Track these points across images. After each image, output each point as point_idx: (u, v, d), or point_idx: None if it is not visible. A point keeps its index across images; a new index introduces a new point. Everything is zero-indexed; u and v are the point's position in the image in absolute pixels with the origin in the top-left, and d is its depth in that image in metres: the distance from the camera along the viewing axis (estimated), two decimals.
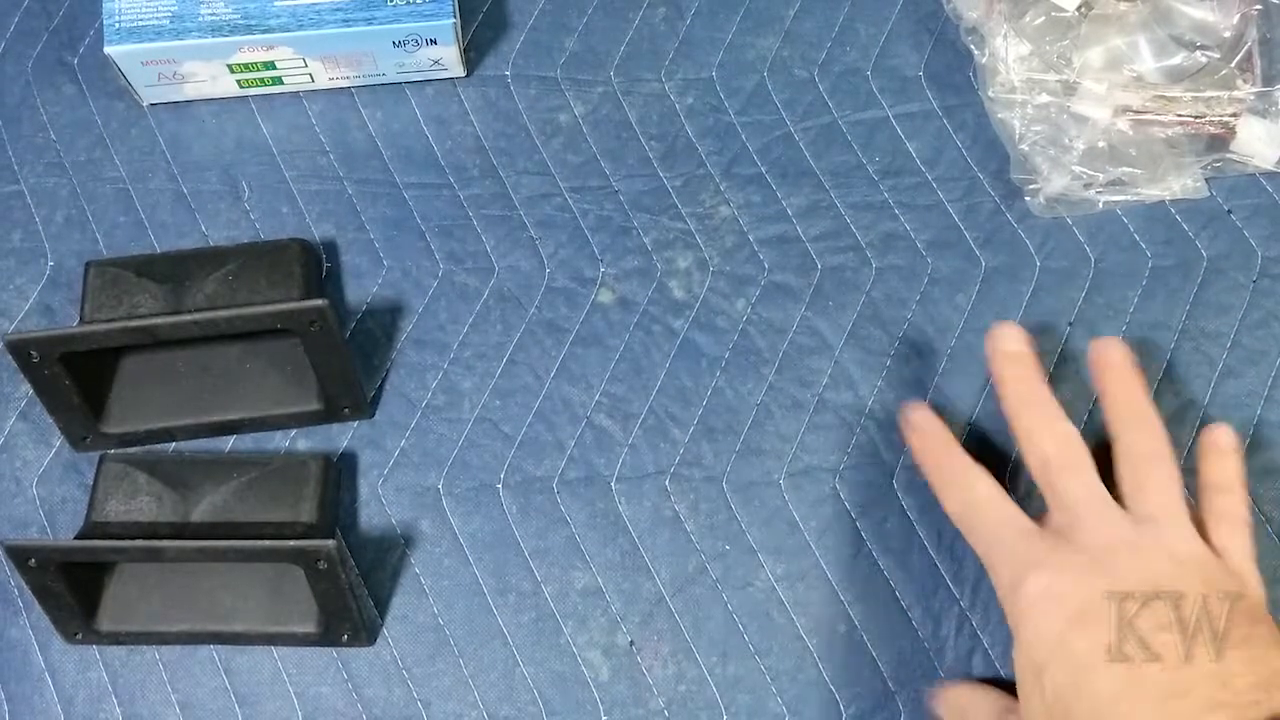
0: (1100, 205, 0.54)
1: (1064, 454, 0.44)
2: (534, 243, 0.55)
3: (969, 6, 0.56)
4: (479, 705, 0.49)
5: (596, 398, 0.53)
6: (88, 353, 0.48)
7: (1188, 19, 0.54)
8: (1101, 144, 0.54)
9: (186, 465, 0.51)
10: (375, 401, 0.53)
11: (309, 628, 0.49)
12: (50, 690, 0.50)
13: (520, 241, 0.55)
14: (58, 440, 0.52)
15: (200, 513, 0.50)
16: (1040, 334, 0.53)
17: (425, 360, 0.53)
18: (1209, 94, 0.54)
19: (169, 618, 0.49)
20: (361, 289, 0.54)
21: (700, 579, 0.51)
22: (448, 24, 0.53)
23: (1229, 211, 0.54)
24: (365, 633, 0.49)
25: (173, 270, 0.52)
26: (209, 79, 0.55)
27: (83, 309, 0.51)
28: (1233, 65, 0.54)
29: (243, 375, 0.52)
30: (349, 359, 0.50)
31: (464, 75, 0.57)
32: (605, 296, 0.54)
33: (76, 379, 0.49)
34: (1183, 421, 0.52)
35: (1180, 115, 0.54)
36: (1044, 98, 0.54)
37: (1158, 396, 0.52)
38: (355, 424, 0.53)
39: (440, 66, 0.56)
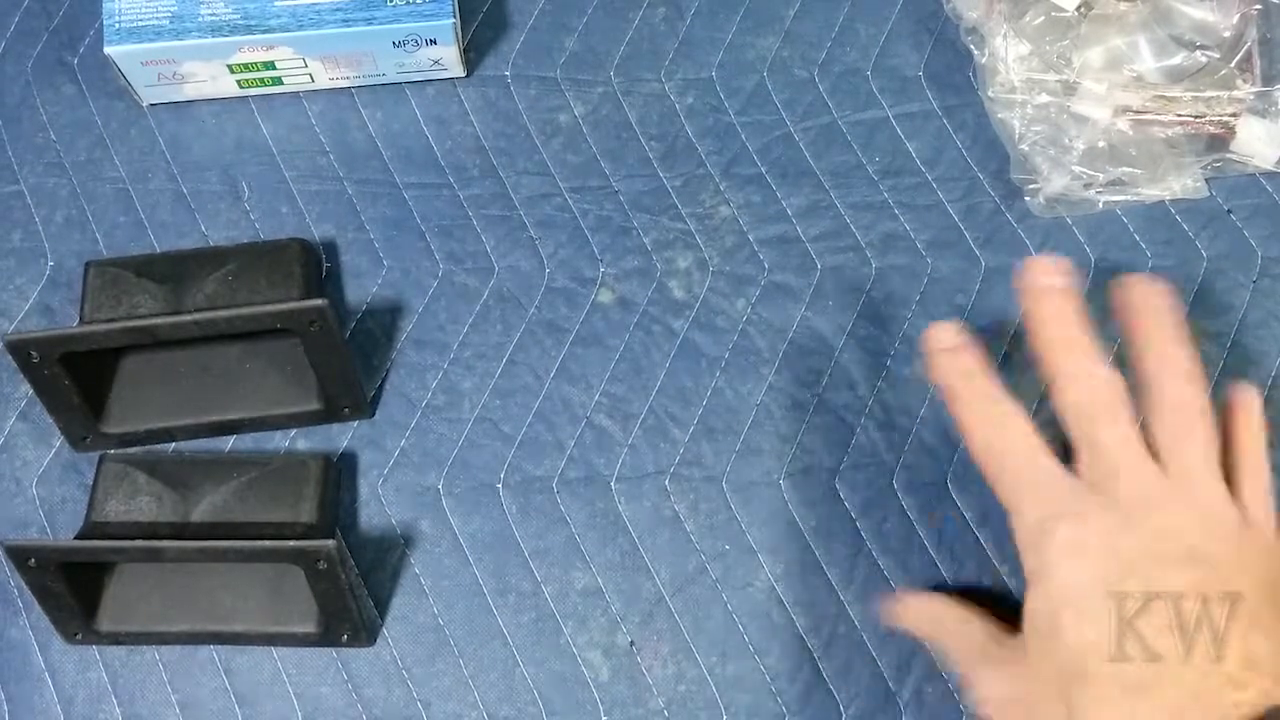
0: (1100, 205, 0.54)
1: (1103, 401, 0.42)
2: (534, 243, 0.55)
3: (969, 6, 0.56)
4: (479, 705, 0.49)
5: (596, 398, 0.53)
6: (88, 353, 0.48)
7: (1188, 19, 0.54)
8: (1101, 144, 0.54)
9: (186, 465, 0.51)
10: (375, 401, 0.53)
11: (309, 628, 0.49)
12: (50, 690, 0.50)
13: (520, 241, 0.55)
14: (58, 440, 0.52)
15: (200, 513, 0.50)
16: None
17: (425, 360, 0.53)
18: (1209, 94, 0.54)
19: (169, 618, 0.49)
20: (361, 289, 0.54)
21: (700, 579, 0.51)
22: (448, 24, 0.53)
23: (1229, 211, 0.54)
24: (365, 633, 0.49)
25: (173, 270, 0.52)
26: (209, 79, 0.55)
27: (83, 309, 0.51)
28: (1233, 65, 0.54)
29: (243, 375, 0.52)
30: (349, 359, 0.50)
31: (464, 75, 0.57)
32: (605, 296, 0.54)
33: (76, 379, 0.49)
34: None
35: (1180, 115, 0.54)
36: (1044, 98, 0.54)
37: None
38: (355, 424, 0.53)
39: (440, 66, 0.56)
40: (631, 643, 0.50)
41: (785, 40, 0.57)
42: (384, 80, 0.56)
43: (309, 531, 0.49)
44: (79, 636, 0.49)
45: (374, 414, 0.53)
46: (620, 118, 0.56)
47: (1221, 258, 0.54)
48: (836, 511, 0.51)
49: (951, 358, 0.43)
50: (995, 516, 0.50)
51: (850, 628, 0.50)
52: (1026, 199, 0.55)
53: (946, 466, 0.52)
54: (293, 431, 0.53)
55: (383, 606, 0.51)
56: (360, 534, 0.51)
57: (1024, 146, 0.54)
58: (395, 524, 0.51)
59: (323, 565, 0.46)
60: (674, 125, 0.56)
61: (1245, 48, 0.54)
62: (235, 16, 0.53)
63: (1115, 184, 0.54)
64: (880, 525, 0.51)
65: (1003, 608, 0.47)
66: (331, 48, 0.54)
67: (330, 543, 0.46)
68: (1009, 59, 0.55)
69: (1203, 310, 0.53)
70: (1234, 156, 0.54)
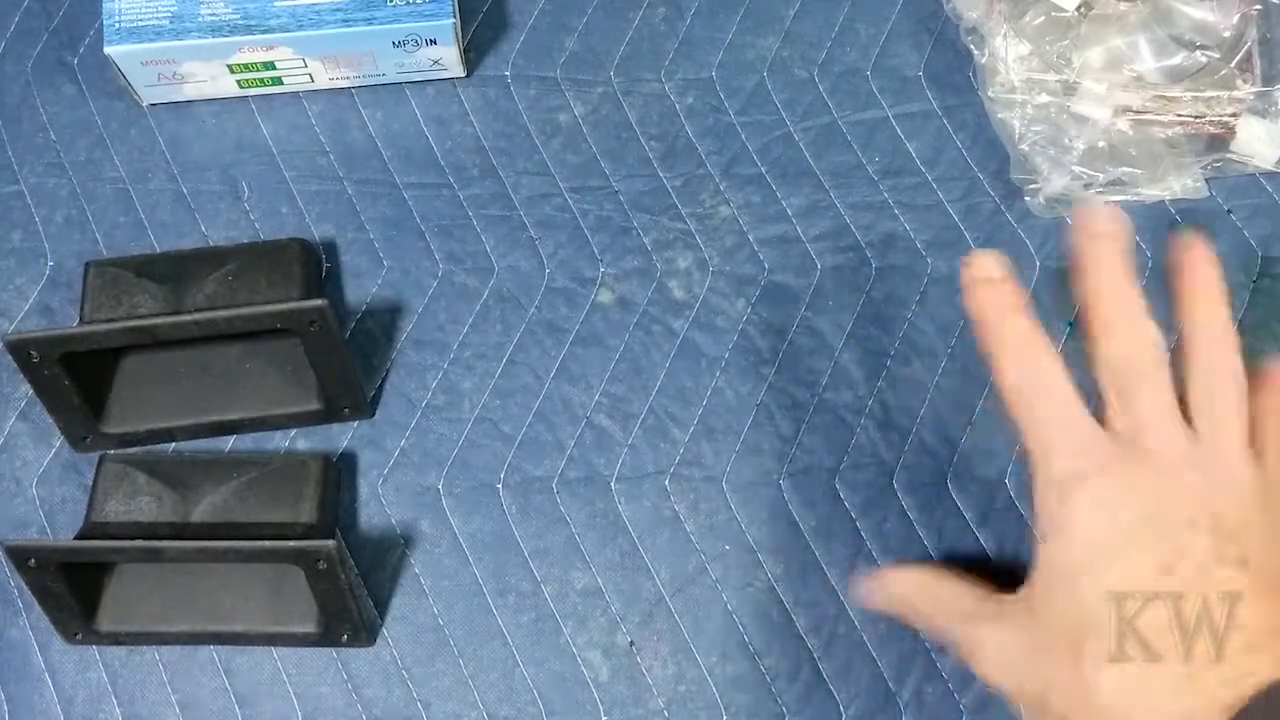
0: (1100, 205, 0.54)
1: (1143, 358, 0.41)
2: (534, 243, 0.55)
3: (969, 6, 0.56)
4: (479, 705, 0.49)
5: (596, 398, 0.53)
6: (88, 353, 0.48)
7: (1188, 19, 0.54)
8: (1101, 144, 0.54)
9: (186, 465, 0.51)
10: (375, 401, 0.53)
11: (309, 628, 0.49)
12: (50, 690, 0.50)
13: (520, 241, 0.55)
14: (58, 440, 0.52)
15: (200, 513, 0.50)
16: None
17: (425, 360, 0.53)
18: (1209, 94, 0.54)
19: (169, 618, 0.49)
20: (361, 289, 0.54)
21: (700, 579, 0.51)
22: (448, 24, 0.53)
23: (1229, 211, 0.54)
24: (365, 633, 0.49)
25: (173, 270, 0.52)
26: (209, 79, 0.55)
27: (83, 309, 0.51)
28: (1233, 65, 0.54)
29: (243, 375, 0.52)
30: (349, 359, 0.50)
31: (464, 75, 0.57)
32: (605, 296, 0.54)
33: (76, 379, 0.49)
34: None
35: (1180, 115, 0.54)
36: (1044, 98, 0.54)
37: None
38: (355, 424, 0.53)
39: (440, 66, 0.56)
40: (631, 643, 0.50)
41: (785, 40, 0.57)
42: (384, 80, 0.56)
43: (309, 531, 0.49)
44: (79, 636, 0.49)
45: (374, 414, 0.53)
46: (620, 118, 0.56)
47: (1221, 258, 0.54)
48: (836, 511, 0.51)
49: (991, 289, 0.42)
50: (995, 516, 0.50)
51: (850, 628, 0.50)
52: (1026, 199, 0.55)
53: (946, 467, 0.52)
54: (293, 431, 0.53)
55: (382, 606, 0.51)
56: (360, 534, 0.51)
57: (1024, 146, 0.54)
58: (395, 524, 0.51)
59: (323, 565, 0.46)
60: (674, 125, 0.56)
61: (1245, 48, 0.54)
62: (235, 16, 0.53)
63: (1115, 184, 0.54)
64: (880, 525, 0.51)
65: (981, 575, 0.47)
66: (331, 48, 0.54)
67: (330, 543, 0.46)
68: (1009, 59, 0.55)
69: None
70: (1234, 156, 0.54)
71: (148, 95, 0.56)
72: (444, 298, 0.54)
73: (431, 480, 0.52)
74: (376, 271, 0.54)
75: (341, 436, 0.52)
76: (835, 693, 0.49)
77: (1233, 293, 0.53)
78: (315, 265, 0.54)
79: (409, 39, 0.54)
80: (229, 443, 0.53)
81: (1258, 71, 0.54)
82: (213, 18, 0.53)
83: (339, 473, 0.52)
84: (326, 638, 0.49)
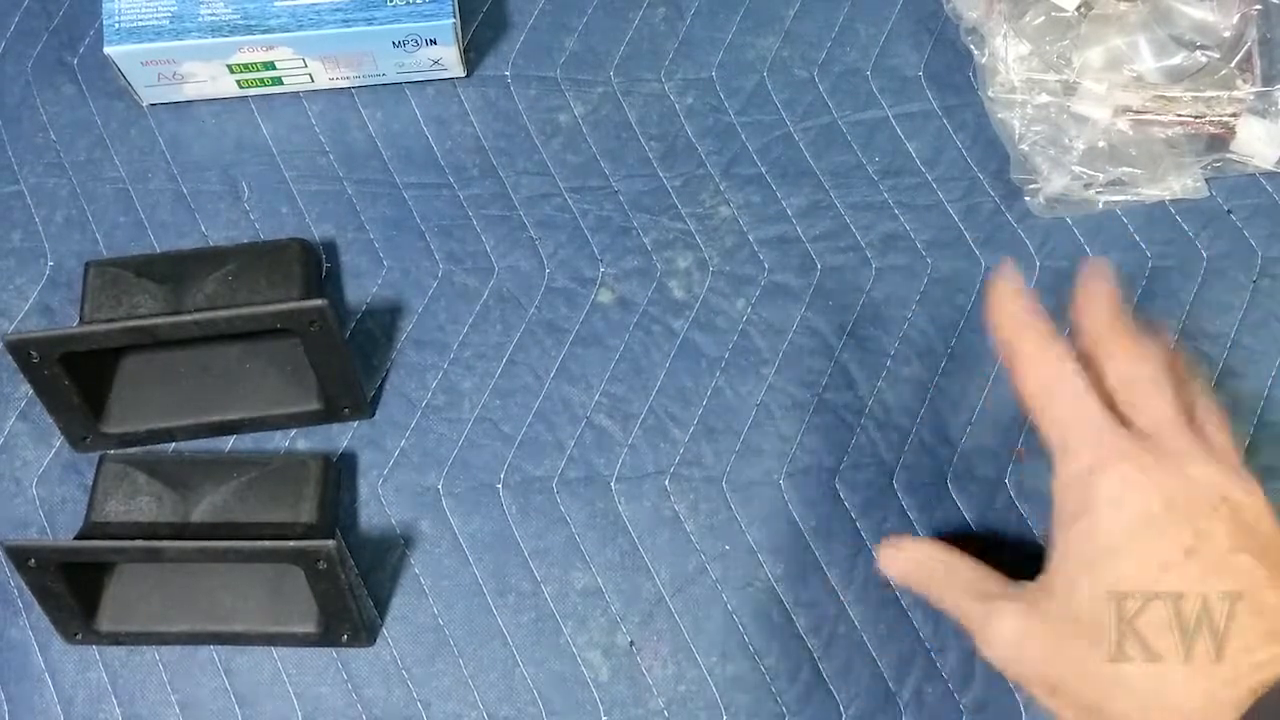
0: (1100, 205, 0.54)
1: (1148, 372, 0.44)
2: (534, 243, 0.55)
3: (969, 6, 0.56)
4: (479, 705, 0.49)
5: (596, 398, 0.53)
6: (88, 353, 0.48)
7: (1188, 19, 0.54)
8: (1101, 144, 0.54)
9: (186, 465, 0.51)
10: (375, 401, 0.53)
11: (309, 628, 0.49)
12: (50, 690, 0.50)
13: (520, 241, 0.55)
14: (58, 440, 0.52)
15: (200, 513, 0.50)
16: None
17: (425, 360, 0.53)
18: (1209, 94, 0.54)
19: (169, 618, 0.49)
20: (361, 289, 0.54)
21: (700, 579, 0.51)
22: (448, 24, 0.53)
23: (1229, 212, 0.54)
24: (365, 633, 0.49)
25: (173, 270, 0.52)
26: (209, 79, 0.55)
27: (83, 309, 0.51)
28: (1233, 65, 0.54)
29: (243, 375, 0.52)
30: (349, 359, 0.50)
31: (464, 75, 0.57)
32: (605, 296, 0.54)
33: (76, 379, 0.49)
34: None
35: (1180, 115, 0.54)
36: (1044, 98, 0.54)
37: None
38: (355, 424, 0.53)
39: (440, 67, 0.56)
40: (631, 643, 0.50)
41: (785, 40, 0.57)
42: (384, 80, 0.56)
43: (309, 532, 0.49)
44: (79, 636, 0.49)
45: (374, 414, 0.53)
46: (620, 118, 0.56)
47: (1221, 258, 0.54)
48: (836, 511, 0.51)
49: (1014, 304, 0.45)
50: (994, 516, 0.50)
51: (850, 628, 0.50)
52: (1026, 199, 0.55)
53: (946, 467, 0.52)
54: (293, 431, 0.53)
55: (382, 606, 0.51)
56: (360, 534, 0.51)
57: (1024, 146, 0.54)
58: (395, 524, 0.51)
59: (323, 565, 0.46)
60: (674, 125, 0.56)
61: (1245, 48, 0.54)
62: (235, 16, 0.53)
63: (1115, 184, 0.54)
64: (880, 525, 0.51)
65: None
66: (331, 48, 0.54)
67: (330, 543, 0.46)
68: (1009, 59, 0.55)
69: (1203, 311, 0.53)
70: (1234, 156, 0.54)
71: (148, 95, 0.56)
72: (444, 298, 0.54)
73: (431, 480, 0.52)
74: (376, 271, 0.54)
75: (341, 436, 0.52)
76: (835, 693, 0.49)
77: (1233, 293, 0.53)
78: (315, 265, 0.54)
79: (409, 39, 0.54)
80: (229, 443, 0.53)
81: (1258, 71, 0.54)
82: (213, 18, 0.53)
83: (339, 473, 0.52)
84: (326, 638, 0.49)
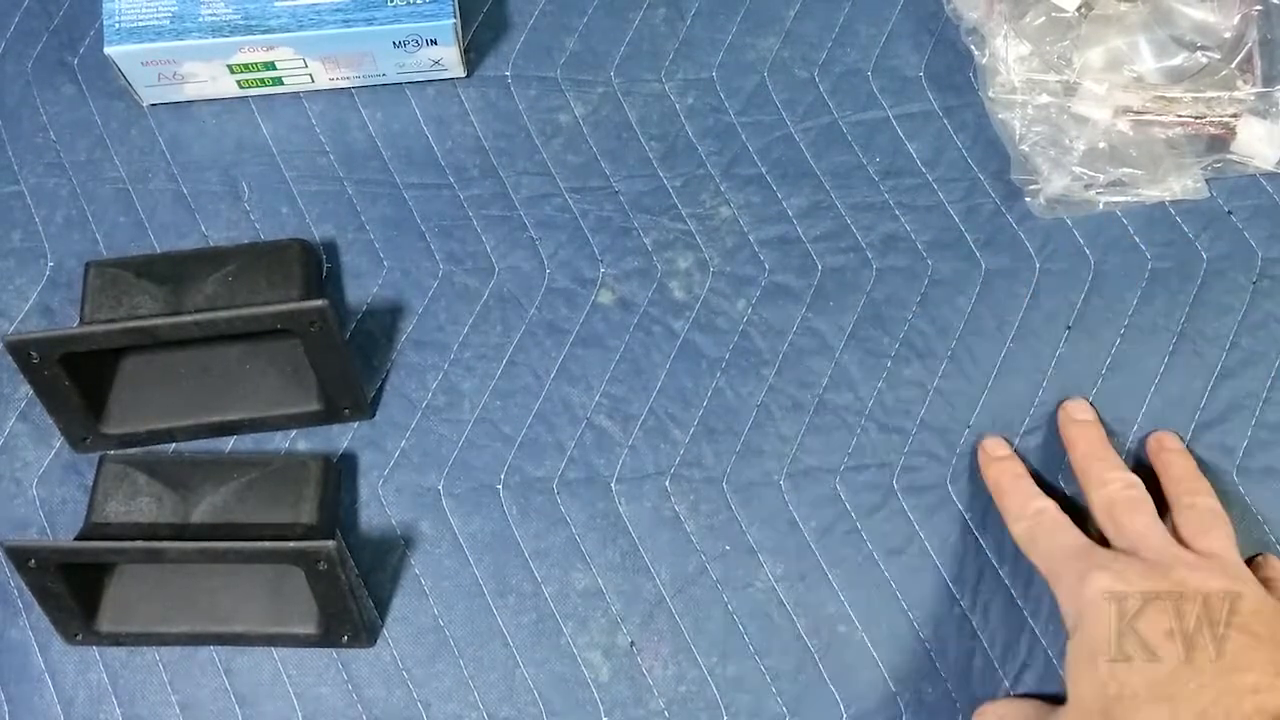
0: (1100, 206, 0.54)
1: (1128, 496, 0.48)
2: (534, 243, 0.55)
3: (969, 7, 0.56)
4: (479, 706, 0.49)
5: (596, 398, 0.53)
6: (88, 353, 0.48)
7: (1188, 19, 0.54)
8: (1102, 145, 0.54)
9: (186, 466, 0.51)
10: (375, 402, 0.53)
11: (309, 629, 0.49)
12: (50, 691, 0.50)
13: (520, 242, 0.55)
14: (58, 441, 0.52)
15: (200, 514, 0.50)
16: (1039, 335, 0.53)
17: (425, 361, 0.53)
18: (1209, 94, 0.54)
19: (169, 619, 0.49)
20: (361, 289, 0.54)
21: (700, 579, 0.51)
22: (448, 24, 0.53)
23: (1229, 212, 0.54)
24: (365, 634, 0.49)
25: (173, 271, 0.52)
26: (209, 79, 0.55)
27: (83, 309, 0.51)
28: (1233, 66, 0.54)
29: (243, 376, 0.52)
30: (349, 359, 0.50)
31: (464, 76, 0.57)
32: (605, 297, 0.54)
33: (76, 379, 0.49)
34: (1181, 424, 0.52)
35: (1180, 116, 0.54)
36: (1044, 98, 0.54)
37: (1155, 399, 0.52)
38: (355, 424, 0.53)
39: (440, 67, 0.56)
40: (632, 643, 0.50)
41: (785, 40, 0.57)
42: (384, 80, 0.56)
43: (309, 532, 0.49)
44: (79, 637, 0.49)
45: (374, 414, 0.53)
46: (620, 118, 0.56)
47: (1221, 258, 0.54)
48: (836, 511, 0.51)
49: (1001, 464, 0.51)
50: (994, 519, 0.50)
51: (850, 627, 0.50)
52: (1027, 200, 0.55)
53: (946, 467, 0.52)
54: (293, 432, 0.52)
55: (383, 607, 0.51)
56: (360, 535, 0.51)
57: (1024, 147, 0.54)
58: (395, 525, 0.51)
59: (323, 566, 0.46)
60: (674, 125, 0.56)
61: (1245, 48, 0.54)
62: (235, 17, 0.53)
63: (1115, 185, 0.54)
64: (880, 525, 0.51)
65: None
66: (332, 48, 0.54)
67: (330, 543, 0.46)
68: (1009, 59, 0.55)
69: (1202, 312, 0.53)
70: (1234, 157, 0.54)
71: (148, 95, 0.56)
72: (444, 298, 0.54)
73: (432, 481, 0.52)
74: (376, 272, 0.54)
75: (342, 437, 0.52)
76: (835, 692, 0.49)
77: (1233, 294, 0.53)
78: (315, 265, 0.54)
79: (409, 39, 0.54)
80: (229, 443, 0.53)
81: (1258, 72, 0.54)
82: (213, 18, 0.53)
83: (339, 473, 0.52)
84: (327, 638, 0.49)
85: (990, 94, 0.55)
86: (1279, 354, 0.53)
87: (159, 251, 0.55)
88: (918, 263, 0.54)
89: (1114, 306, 0.53)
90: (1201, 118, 0.54)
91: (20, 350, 0.47)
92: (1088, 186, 0.54)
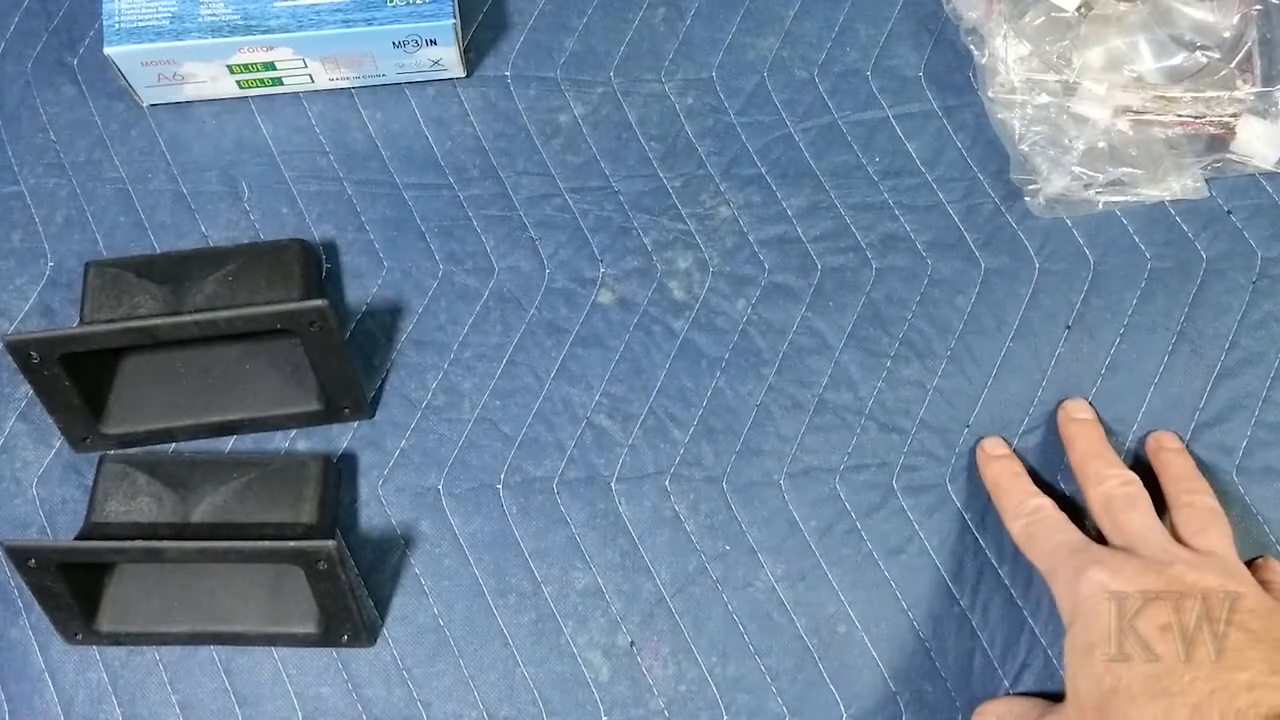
0: (1100, 206, 0.54)
1: (1126, 493, 0.48)
2: (534, 243, 0.55)
3: (969, 7, 0.56)
4: (479, 706, 0.49)
5: (596, 398, 0.53)
6: (88, 353, 0.48)
7: (1188, 19, 0.54)
8: (1101, 144, 0.54)
9: (186, 466, 0.51)
10: (375, 402, 0.53)
11: (309, 628, 0.49)
12: (50, 691, 0.50)
13: (520, 242, 0.55)
14: (58, 440, 0.52)
15: (200, 513, 0.50)
16: (1038, 335, 0.53)
17: (425, 361, 0.53)
18: (1209, 94, 0.54)
19: (169, 618, 0.49)
20: (361, 289, 0.54)
21: (700, 579, 0.51)
22: (448, 24, 0.53)
23: (1229, 212, 0.54)
24: (365, 633, 0.49)
25: (173, 270, 0.52)
26: (209, 79, 0.55)
27: (83, 309, 0.51)
28: (1233, 65, 0.54)
29: (243, 376, 0.52)
30: (349, 359, 0.50)
31: (464, 76, 0.57)
32: (605, 297, 0.54)
33: (76, 379, 0.49)
34: (1180, 424, 0.52)
35: (1180, 115, 0.54)
36: (1044, 98, 0.54)
37: (1155, 398, 0.52)
38: (355, 424, 0.53)
39: (440, 67, 0.56)
40: (632, 643, 0.50)
41: (785, 40, 0.57)
42: (384, 81, 0.56)
43: (309, 532, 0.49)
44: (79, 637, 0.49)
45: (374, 414, 0.53)
46: (620, 118, 0.56)
47: (1221, 258, 0.54)
48: (836, 511, 0.51)
49: (1000, 463, 0.51)
50: (993, 518, 0.50)
51: (850, 627, 0.50)
52: (1026, 199, 0.55)
53: (946, 467, 0.52)
54: (293, 432, 0.53)
55: (383, 607, 0.51)
56: (360, 534, 0.51)
57: (1024, 147, 0.54)
58: (395, 524, 0.51)
59: (323, 565, 0.46)
60: (674, 125, 0.56)
61: (1245, 48, 0.54)
62: (235, 17, 0.53)
63: (1115, 184, 0.54)
64: (880, 525, 0.51)
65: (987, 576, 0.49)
66: (331, 48, 0.54)
67: (330, 543, 0.46)
68: (1009, 59, 0.55)
69: (1202, 311, 0.53)
70: (1234, 157, 0.54)
71: (148, 96, 0.56)
72: (444, 298, 0.54)
73: (432, 481, 0.52)
74: (376, 272, 0.54)
75: (341, 437, 0.52)
76: (835, 692, 0.49)
77: (1232, 294, 0.53)
78: (315, 265, 0.54)
79: (409, 39, 0.54)
80: (229, 443, 0.53)
81: (1258, 72, 0.54)
82: (213, 18, 0.53)
83: (339, 473, 0.52)
84: (327, 638, 0.49)
85: (990, 94, 0.55)
86: (1279, 354, 0.53)
87: (159, 251, 0.55)
88: (917, 263, 0.54)
89: (1113, 306, 0.53)
90: (1201, 117, 0.54)
91: (20, 350, 0.47)
92: (1087, 186, 0.54)
